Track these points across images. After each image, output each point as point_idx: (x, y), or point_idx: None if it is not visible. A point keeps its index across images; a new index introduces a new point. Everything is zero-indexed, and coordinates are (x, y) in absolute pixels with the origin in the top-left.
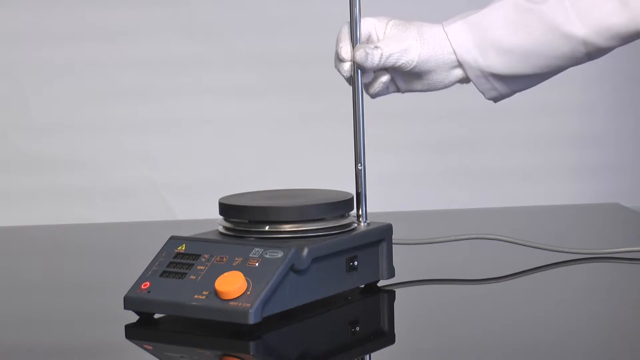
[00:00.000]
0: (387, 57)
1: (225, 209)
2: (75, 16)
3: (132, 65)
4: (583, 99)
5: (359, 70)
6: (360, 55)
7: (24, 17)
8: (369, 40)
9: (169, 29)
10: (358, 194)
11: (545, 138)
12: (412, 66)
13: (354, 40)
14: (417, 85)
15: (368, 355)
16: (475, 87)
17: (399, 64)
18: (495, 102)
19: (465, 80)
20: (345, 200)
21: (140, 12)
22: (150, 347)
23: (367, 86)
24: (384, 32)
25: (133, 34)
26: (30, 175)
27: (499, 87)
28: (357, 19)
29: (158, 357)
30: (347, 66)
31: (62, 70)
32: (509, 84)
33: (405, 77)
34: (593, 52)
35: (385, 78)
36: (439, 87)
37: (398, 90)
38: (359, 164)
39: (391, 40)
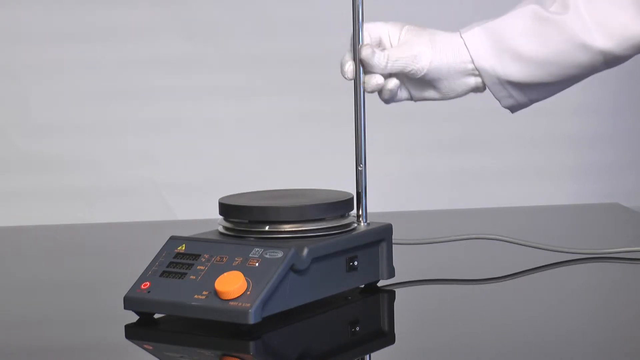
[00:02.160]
0: (394, 61)
1: (225, 209)
2: (75, 16)
3: (132, 65)
4: (583, 99)
5: (361, 70)
6: (366, 52)
7: (24, 17)
8: (379, 44)
9: (169, 29)
10: (358, 194)
11: (545, 138)
12: (422, 73)
13: (357, 40)
14: (430, 93)
15: (368, 355)
16: (491, 93)
17: (407, 69)
18: (512, 112)
19: (479, 89)
20: (345, 200)
21: (140, 12)
22: (150, 347)
23: (378, 92)
24: (399, 38)
25: (133, 34)
26: (30, 175)
27: (516, 95)
28: (360, 20)
29: (158, 357)
30: (346, 67)
31: (62, 70)
32: (526, 92)
33: (417, 85)
34: (611, 61)
35: (392, 85)
36: (452, 95)
37: (411, 98)
38: (360, 165)
39: (401, 46)
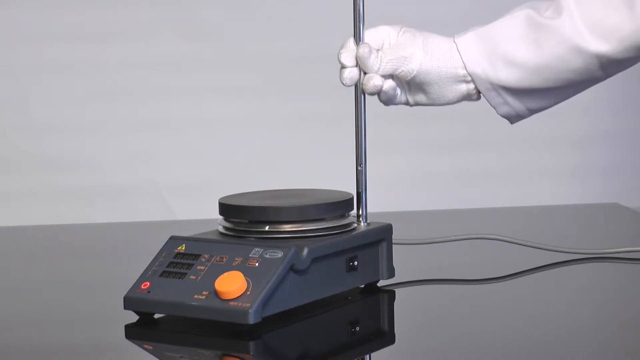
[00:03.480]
0: (386, 63)
1: (225, 209)
2: (75, 16)
3: (132, 65)
4: (583, 99)
5: (362, 71)
6: (363, 50)
7: (24, 17)
8: (382, 47)
9: (169, 29)
10: (358, 194)
11: (545, 138)
12: (412, 75)
13: (357, 39)
14: (422, 98)
15: (368, 355)
16: (486, 101)
17: (398, 71)
18: (511, 122)
19: (472, 96)
20: (345, 200)
21: (140, 13)
22: (150, 347)
23: (378, 93)
24: (396, 39)
25: (133, 34)
26: (30, 175)
27: (511, 102)
28: (361, 20)
29: (158, 357)
30: (345, 73)
31: (62, 70)
32: (522, 99)
33: (410, 89)
34: (607, 65)
35: (386, 86)
36: (442, 101)
37: (407, 102)
38: (360, 165)
39: (393, 48)
